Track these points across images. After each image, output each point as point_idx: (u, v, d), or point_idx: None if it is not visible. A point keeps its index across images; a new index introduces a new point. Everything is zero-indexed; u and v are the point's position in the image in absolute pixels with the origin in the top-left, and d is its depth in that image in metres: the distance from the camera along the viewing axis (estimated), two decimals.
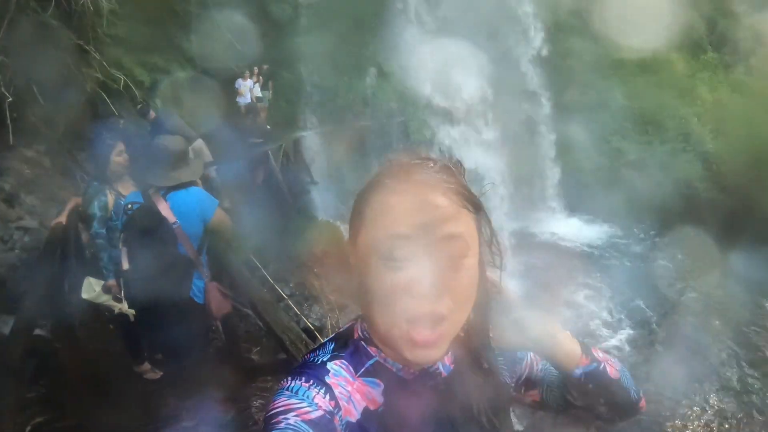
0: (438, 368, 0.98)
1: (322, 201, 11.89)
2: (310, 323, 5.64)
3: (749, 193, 10.04)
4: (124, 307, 4.06)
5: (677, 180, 11.11)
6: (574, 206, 12.94)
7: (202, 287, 3.62)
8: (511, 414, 1.18)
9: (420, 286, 0.85)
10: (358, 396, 0.94)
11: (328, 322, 6.34)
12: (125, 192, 4.07)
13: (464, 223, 0.89)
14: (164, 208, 3.48)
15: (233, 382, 4.43)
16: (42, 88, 5.84)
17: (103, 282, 4.16)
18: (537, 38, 12.82)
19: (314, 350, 1.00)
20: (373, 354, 0.97)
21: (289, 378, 0.92)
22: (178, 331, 3.65)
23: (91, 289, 4.14)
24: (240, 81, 11.45)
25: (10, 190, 5.92)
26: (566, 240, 11.85)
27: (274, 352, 4.97)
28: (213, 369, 4.39)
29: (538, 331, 1.04)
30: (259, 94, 11.39)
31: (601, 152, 12.54)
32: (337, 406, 0.91)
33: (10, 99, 5.52)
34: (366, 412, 0.94)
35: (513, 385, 1.15)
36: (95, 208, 4.09)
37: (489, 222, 0.95)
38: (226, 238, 3.84)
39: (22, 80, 5.64)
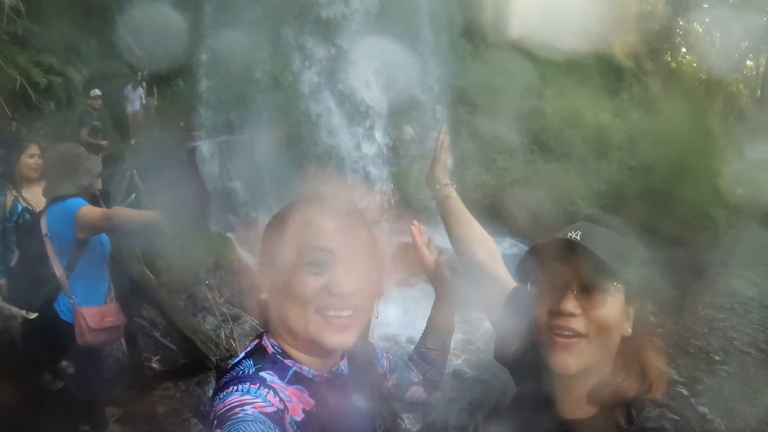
0: (341, 368, 1.19)
1: (213, 212, 11.78)
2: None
3: (628, 209, 11.12)
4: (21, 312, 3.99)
5: (560, 197, 11.84)
6: None
7: (71, 306, 3.47)
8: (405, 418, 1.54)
9: (338, 286, 1.05)
10: (294, 399, 1.06)
11: (223, 332, 6.38)
12: (30, 197, 3.98)
13: (365, 239, 1.14)
14: (43, 220, 3.40)
15: (136, 390, 4.49)
16: None
17: None
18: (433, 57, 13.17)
19: (232, 368, 1.08)
20: (290, 365, 1.10)
21: (231, 387, 1.00)
22: (58, 344, 3.65)
23: None
24: (129, 89, 10.90)
25: None
26: (450, 253, 12.33)
27: (175, 360, 5.06)
28: (115, 378, 4.43)
29: None
30: (140, 94, 10.98)
31: (487, 170, 13.14)
32: (285, 405, 1.02)
33: None
34: (305, 412, 1.06)
35: (382, 374, 1.42)
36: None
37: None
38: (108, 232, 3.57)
39: None
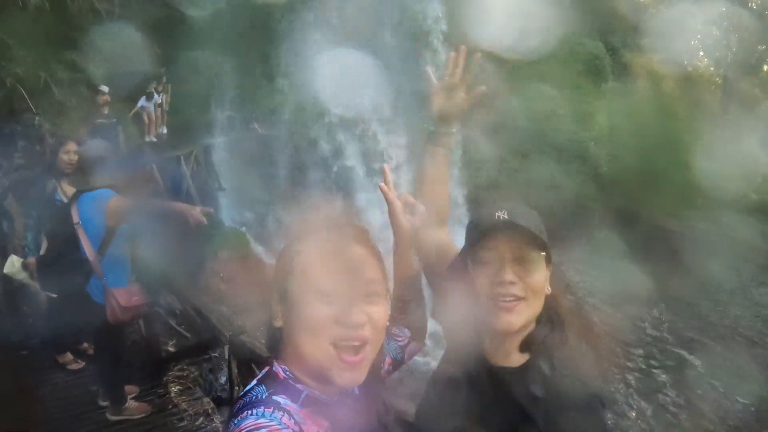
0: (353, 390, 1.20)
1: (228, 207, 12.01)
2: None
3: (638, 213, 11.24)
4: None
5: (570, 199, 11.92)
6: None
7: (101, 288, 3.73)
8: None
9: (348, 316, 1.06)
10: (309, 421, 1.06)
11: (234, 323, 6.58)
12: (67, 189, 4.30)
13: (377, 271, 1.15)
14: (74, 209, 3.68)
15: (152, 370, 4.75)
16: None
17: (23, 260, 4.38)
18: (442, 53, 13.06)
19: (245, 395, 1.09)
20: (302, 389, 1.10)
21: (246, 411, 1.02)
22: (83, 323, 3.92)
23: (12, 265, 4.33)
24: (143, 100, 10.88)
25: None
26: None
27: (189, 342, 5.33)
28: (133, 359, 4.69)
29: None
30: (159, 100, 11.05)
31: (499, 170, 13.19)
32: (300, 428, 1.03)
33: None
34: None
35: (383, 373, 1.45)
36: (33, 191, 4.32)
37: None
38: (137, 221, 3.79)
39: None
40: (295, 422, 1.02)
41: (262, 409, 1.01)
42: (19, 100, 6.53)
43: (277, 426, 0.98)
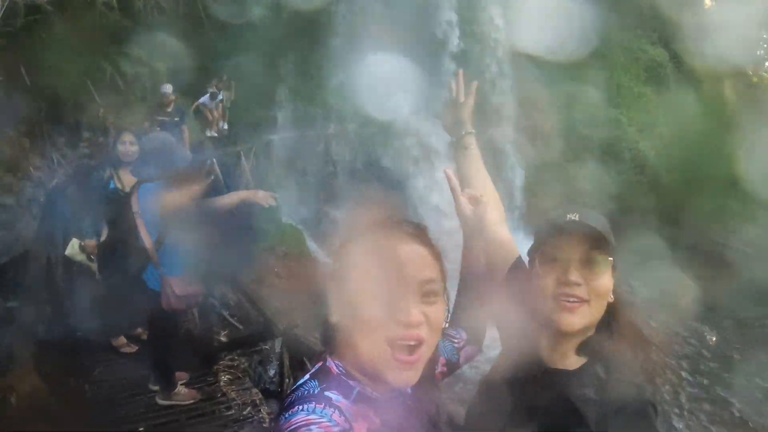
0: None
1: (286, 204, 12.08)
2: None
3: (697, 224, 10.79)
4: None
5: (629, 209, 11.55)
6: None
7: (157, 276, 3.82)
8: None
9: (405, 316, 1.04)
10: (360, 418, 1.05)
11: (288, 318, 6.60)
12: (124, 178, 4.39)
13: (435, 270, 1.12)
14: (134, 199, 3.78)
15: (204, 359, 4.78)
16: (30, 72, 6.02)
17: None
18: (499, 61, 12.95)
19: (297, 389, 1.09)
20: (354, 386, 1.09)
21: (297, 406, 1.01)
22: (138, 309, 4.00)
23: (72, 247, 4.45)
24: (207, 98, 11.04)
25: None
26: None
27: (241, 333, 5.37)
28: (185, 346, 4.74)
29: None
30: (220, 97, 11.14)
31: (556, 177, 12.90)
32: (350, 425, 1.01)
33: (0, 79, 5.70)
34: (370, 431, 1.06)
35: (437, 374, 1.43)
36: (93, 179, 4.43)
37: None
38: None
39: (12, 63, 5.81)
40: (346, 419, 1.01)
41: (313, 405, 1.00)
42: (84, 92, 6.72)
43: (328, 423, 0.97)
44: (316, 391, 1.05)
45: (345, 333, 1.09)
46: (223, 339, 5.29)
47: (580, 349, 1.39)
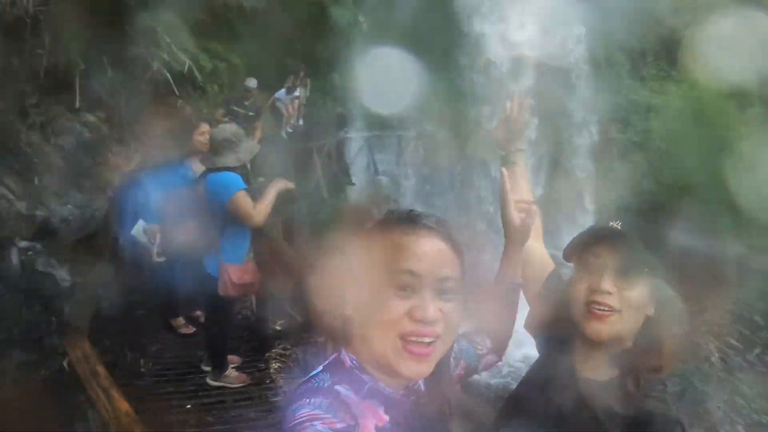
0: (418, 385, 1.16)
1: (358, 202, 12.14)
2: None
3: None
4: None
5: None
6: None
7: (217, 262, 3.95)
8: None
9: (422, 311, 1.01)
10: (368, 414, 1.04)
11: None
12: (195, 166, 4.53)
13: (455, 267, 1.08)
14: (202, 186, 3.94)
15: (257, 345, 4.86)
16: (112, 60, 6.28)
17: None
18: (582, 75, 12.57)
19: (306, 382, 1.08)
20: (367, 380, 1.07)
21: (305, 399, 1.00)
22: (197, 292, 4.09)
23: (137, 228, 4.61)
24: (283, 92, 11.20)
25: (69, 149, 6.38)
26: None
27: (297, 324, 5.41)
28: (240, 332, 4.84)
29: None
30: (296, 93, 11.24)
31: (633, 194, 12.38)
32: (356, 422, 1.00)
33: (83, 67, 5.97)
34: (377, 428, 1.04)
35: (454, 375, 1.40)
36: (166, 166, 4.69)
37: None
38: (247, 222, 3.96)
39: (95, 51, 6.07)
40: (352, 416, 1.00)
41: (320, 399, 1.00)
42: (164, 84, 6.95)
43: (332, 419, 0.96)
44: (326, 385, 1.05)
45: (359, 325, 1.07)
46: (278, 328, 5.34)
47: (613, 361, 1.39)
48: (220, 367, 4.33)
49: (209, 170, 4.02)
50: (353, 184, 12.11)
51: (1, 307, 4.19)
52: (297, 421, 0.95)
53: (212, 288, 4.00)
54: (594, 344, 1.38)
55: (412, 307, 1.01)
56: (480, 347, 1.49)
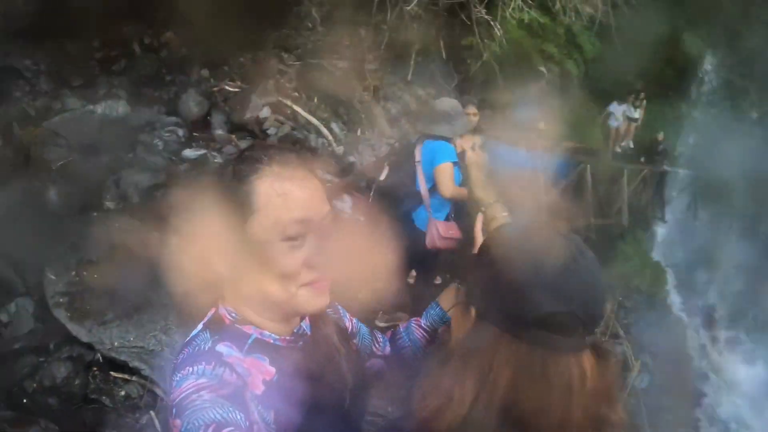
0: (303, 329, 1.12)
1: (664, 243, 11.41)
2: None
3: None
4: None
5: None
6: None
7: (425, 218, 4.30)
8: None
9: (317, 258, 1.00)
10: (254, 370, 1.00)
11: None
12: (461, 140, 5.03)
13: (327, 201, 1.05)
14: (417, 149, 4.29)
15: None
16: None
17: None
18: None
19: (187, 344, 1.03)
20: (250, 332, 1.04)
21: (187, 368, 0.95)
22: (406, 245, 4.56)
23: None
24: (614, 104, 11.03)
25: (394, 114, 7.37)
26: None
27: None
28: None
29: None
30: (635, 115, 11.00)
31: None
32: (243, 381, 0.97)
33: (418, 47, 6.90)
34: (266, 383, 1.01)
35: (349, 332, 1.34)
36: None
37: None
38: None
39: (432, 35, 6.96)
40: (238, 376, 0.97)
41: (203, 366, 0.95)
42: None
43: (217, 385, 0.93)
44: (207, 346, 1.00)
45: (246, 280, 1.03)
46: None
47: None
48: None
49: (425, 135, 4.33)
50: (665, 221, 11.41)
51: None
52: (183, 394, 0.91)
53: (420, 241, 4.31)
54: None
55: (308, 255, 1.00)
56: (377, 349, 1.42)
